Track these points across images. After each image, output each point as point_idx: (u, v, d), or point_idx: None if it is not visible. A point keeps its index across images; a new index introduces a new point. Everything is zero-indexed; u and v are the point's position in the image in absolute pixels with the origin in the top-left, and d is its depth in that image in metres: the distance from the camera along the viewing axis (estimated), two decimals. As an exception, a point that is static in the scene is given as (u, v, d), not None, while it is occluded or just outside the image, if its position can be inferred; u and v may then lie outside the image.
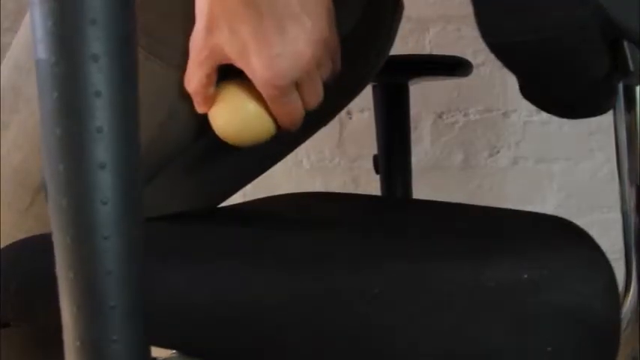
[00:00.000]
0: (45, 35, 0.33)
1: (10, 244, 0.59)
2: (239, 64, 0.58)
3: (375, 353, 0.43)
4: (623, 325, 0.72)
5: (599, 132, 1.51)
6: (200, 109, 0.62)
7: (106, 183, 0.35)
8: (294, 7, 0.57)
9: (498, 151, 1.55)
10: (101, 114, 0.34)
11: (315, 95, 0.62)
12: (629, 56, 0.56)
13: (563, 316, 0.43)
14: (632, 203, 0.74)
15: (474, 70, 1.17)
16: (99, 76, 0.33)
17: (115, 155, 0.34)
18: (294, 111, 0.61)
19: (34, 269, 0.55)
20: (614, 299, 0.52)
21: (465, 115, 1.56)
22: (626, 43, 0.56)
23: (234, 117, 0.61)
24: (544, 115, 1.49)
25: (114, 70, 0.33)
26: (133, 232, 0.36)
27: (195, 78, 0.60)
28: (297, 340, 0.45)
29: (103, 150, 0.34)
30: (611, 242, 1.44)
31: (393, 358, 0.42)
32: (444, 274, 0.46)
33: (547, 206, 1.53)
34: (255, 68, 0.58)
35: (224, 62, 0.59)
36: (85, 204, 0.35)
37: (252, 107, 0.61)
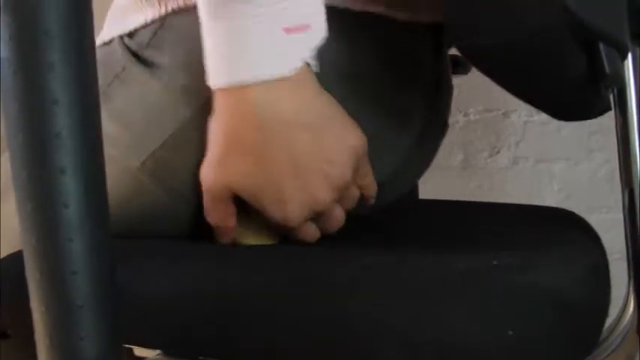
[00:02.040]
0: (4, 46, 0.35)
1: (9, 255, 0.60)
2: (250, 201, 0.57)
3: (341, 342, 0.44)
4: (621, 332, 0.73)
5: (599, 132, 1.50)
6: (223, 239, 0.60)
7: (66, 187, 0.36)
8: (315, 154, 0.55)
9: (498, 151, 1.56)
10: (59, 121, 0.35)
11: (336, 222, 0.60)
12: (604, 59, 0.56)
13: (529, 298, 0.43)
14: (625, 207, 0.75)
15: (474, 70, 1.18)
16: (55, 84, 0.35)
17: (74, 160, 0.36)
18: (311, 235, 0.60)
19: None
20: (595, 283, 0.52)
21: (465, 115, 1.56)
22: (601, 46, 0.56)
23: (258, 239, 0.61)
24: (544, 115, 1.49)
25: (70, 77, 0.35)
26: (96, 234, 0.38)
27: (213, 212, 0.58)
28: (274, 334, 0.46)
29: (62, 156, 0.35)
30: (611, 242, 1.43)
31: (356, 345, 0.43)
32: (412, 264, 0.47)
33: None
34: (266, 208, 0.56)
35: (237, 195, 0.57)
36: (48, 208, 0.37)
37: (273, 231, 0.60)
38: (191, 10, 0.58)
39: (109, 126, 0.61)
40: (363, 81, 0.64)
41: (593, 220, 1.49)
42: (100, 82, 0.62)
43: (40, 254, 0.37)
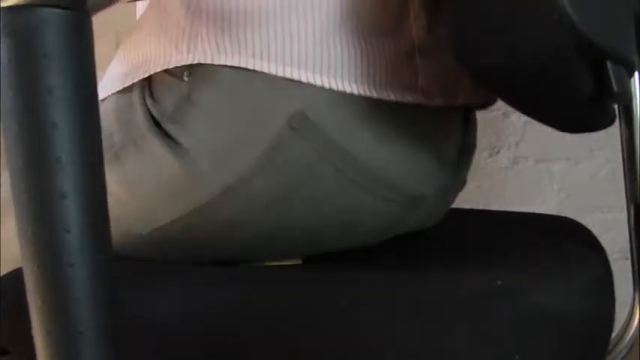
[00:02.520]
0: (3, 70, 0.34)
1: (8, 273, 0.60)
2: None
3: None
4: (626, 345, 0.72)
5: (599, 132, 1.50)
6: None
7: (67, 212, 0.35)
8: None
9: (498, 151, 1.55)
10: (58, 145, 0.34)
11: None
12: (612, 76, 0.55)
13: (534, 322, 0.43)
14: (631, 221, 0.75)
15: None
16: (54, 109, 0.34)
17: (75, 185, 0.35)
18: None
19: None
20: (598, 300, 0.52)
21: (465, 116, 1.56)
22: (609, 64, 0.55)
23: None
24: (543, 114, 1.49)
25: (70, 102, 0.34)
26: (98, 259, 0.37)
27: None
28: (265, 352, 0.46)
29: (62, 180, 0.35)
30: (611, 242, 1.43)
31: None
32: (414, 283, 0.47)
33: (547, 206, 1.53)
34: None
35: None
36: (49, 232, 0.36)
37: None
38: (216, 80, 0.58)
39: (116, 187, 0.61)
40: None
41: (594, 219, 1.50)
42: (114, 136, 0.62)
43: (42, 279, 0.37)
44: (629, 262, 0.80)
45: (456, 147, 0.71)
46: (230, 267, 0.57)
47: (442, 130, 0.68)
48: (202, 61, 0.58)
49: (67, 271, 0.36)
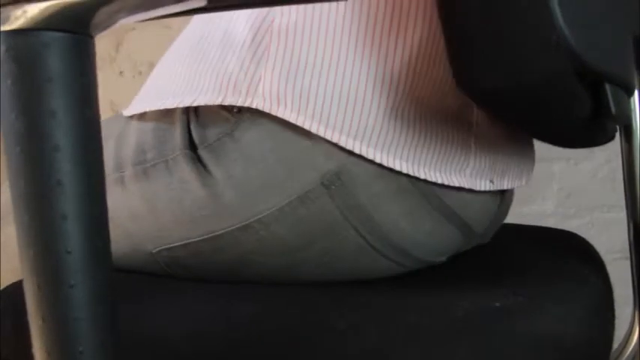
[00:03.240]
0: (5, 92, 0.34)
1: (9, 285, 0.60)
2: None
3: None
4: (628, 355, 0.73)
5: (599, 131, 1.50)
6: None
7: (68, 233, 0.35)
8: None
9: (499, 151, 1.55)
10: (60, 167, 0.34)
11: None
12: (610, 99, 0.55)
13: (531, 347, 0.43)
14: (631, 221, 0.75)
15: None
16: (57, 131, 0.34)
17: (76, 207, 0.35)
18: None
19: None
20: (597, 323, 0.52)
21: (465, 114, 1.56)
22: (607, 86, 0.56)
23: None
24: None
25: (72, 124, 0.34)
26: (99, 279, 0.37)
27: None
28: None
29: (63, 202, 0.35)
30: (611, 242, 1.43)
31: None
32: (413, 305, 0.47)
33: (547, 206, 1.53)
34: None
35: None
36: (50, 254, 0.36)
37: None
38: (263, 124, 0.57)
39: (135, 201, 0.61)
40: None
41: (594, 219, 1.50)
42: (147, 153, 0.61)
43: (43, 300, 0.37)
44: (629, 262, 0.81)
45: (488, 220, 0.70)
46: (235, 285, 0.57)
47: (478, 208, 0.68)
48: (260, 108, 0.58)
49: (68, 292, 0.36)
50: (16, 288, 0.60)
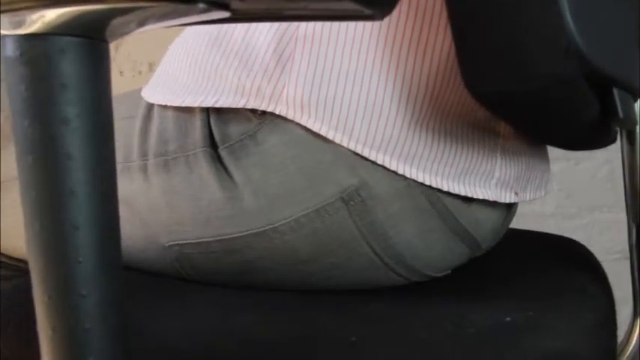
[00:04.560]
0: (18, 98, 0.33)
1: (10, 285, 0.59)
2: None
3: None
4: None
5: (599, 131, 1.50)
6: None
7: (80, 242, 0.35)
8: None
9: (498, 150, 1.55)
10: (73, 176, 0.33)
11: None
12: (618, 103, 0.55)
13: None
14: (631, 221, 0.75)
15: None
16: (70, 139, 0.33)
17: (88, 216, 0.34)
18: None
19: (31, 308, 0.55)
20: (602, 335, 0.51)
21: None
22: (615, 90, 0.55)
23: None
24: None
25: (85, 132, 0.33)
26: (110, 289, 0.36)
27: None
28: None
29: (75, 211, 0.34)
30: (611, 242, 1.44)
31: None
32: (425, 319, 0.46)
33: (547, 206, 1.53)
34: None
35: None
36: (61, 263, 0.35)
37: None
38: (287, 130, 0.57)
39: (155, 192, 0.60)
40: None
41: (594, 219, 1.50)
42: (170, 144, 0.61)
43: (53, 309, 0.36)
44: (629, 262, 0.81)
45: (495, 232, 0.70)
46: (239, 292, 0.56)
47: (489, 225, 0.67)
48: (283, 115, 0.57)
49: (78, 301, 0.36)
50: (17, 288, 0.59)
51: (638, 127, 0.77)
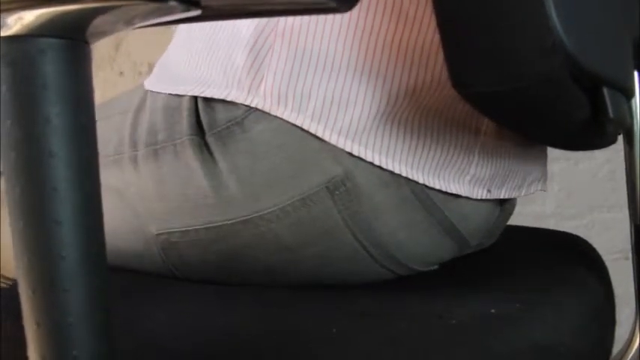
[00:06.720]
0: (1, 98, 0.34)
1: (10, 285, 0.60)
2: None
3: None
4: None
5: (600, 131, 1.49)
6: None
7: (63, 238, 0.35)
8: None
9: (499, 150, 1.55)
10: (55, 174, 0.34)
11: None
12: (608, 102, 0.55)
13: (526, 353, 0.43)
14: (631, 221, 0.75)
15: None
16: (52, 138, 0.34)
17: (70, 212, 0.35)
18: None
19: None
20: (596, 330, 0.51)
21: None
22: (605, 90, 0.55)
23: None
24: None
25: (67, 131, 0.34)
26: (94, 284, 0.37)
27: None
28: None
29: (58, 207, 0.35)
30: (611, 242, 1.43)
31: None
32: (409, 312, 0.46)
33: (547, 206, 1.53)
34: None
35: None
36: (45, 258, 0.36)
37: None
38: (271, 120, 0.57)
39: (145, 182, 0.61)
40: None
41: (594, 219, 1.50)
42: (159, 134, 0.62)
43: (37, 304, 0.37)
44: (629, 262, 0.81)
45: (486, 232, 0.70)
46: (225, 289, 0.57)
47: (477, 221, 0.68)
48: (260, 108, 0.58)
49: (62, 296, 0.37)
50: (17, 288, 0.60)
51: (637, 125, 0.77)
